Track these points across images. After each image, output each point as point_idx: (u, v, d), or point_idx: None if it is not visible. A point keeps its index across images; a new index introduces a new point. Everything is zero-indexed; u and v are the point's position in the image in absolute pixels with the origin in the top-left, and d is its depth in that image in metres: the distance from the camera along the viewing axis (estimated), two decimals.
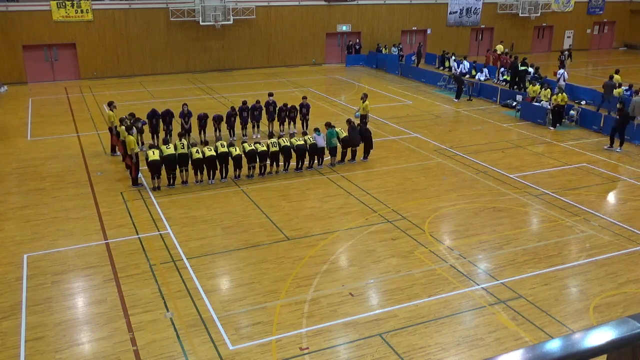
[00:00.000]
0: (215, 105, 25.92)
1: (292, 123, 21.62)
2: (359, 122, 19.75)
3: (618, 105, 21.00)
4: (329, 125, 18.04)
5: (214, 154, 16.18)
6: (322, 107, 26.24)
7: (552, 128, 22.97)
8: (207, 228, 13.80)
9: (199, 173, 16.32)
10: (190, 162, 16.18)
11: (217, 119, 20.22)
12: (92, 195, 15.80)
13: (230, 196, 15.78)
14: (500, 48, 36.97)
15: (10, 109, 26.19)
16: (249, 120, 20.79)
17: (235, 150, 16.52)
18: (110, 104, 19.36)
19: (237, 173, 16.80)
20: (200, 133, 20.07)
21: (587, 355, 1.64)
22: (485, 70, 33.53)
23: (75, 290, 11.12)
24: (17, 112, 25.54)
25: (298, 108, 21.32)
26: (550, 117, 23.18)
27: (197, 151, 16.09)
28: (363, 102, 20.79)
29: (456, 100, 28.01)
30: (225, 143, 16.56)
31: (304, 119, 21.43)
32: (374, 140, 18.91)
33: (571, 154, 19.86)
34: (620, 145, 20.20)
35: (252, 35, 36.24)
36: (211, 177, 16.48)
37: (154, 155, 15.72)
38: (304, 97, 21.92)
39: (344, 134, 18.04)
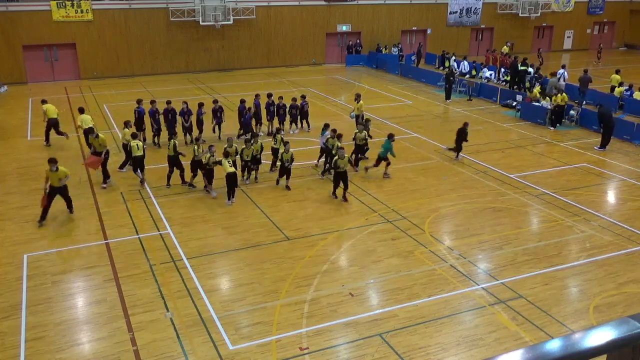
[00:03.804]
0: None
1: (293, 123, 21.71)
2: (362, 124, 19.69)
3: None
4: (390, 136, 17.01)
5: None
6: (322, 107, 26.25)
7: (552, 128, 22.98)
8: (207, 228, 13.80)
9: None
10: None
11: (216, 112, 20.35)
12: (92, 195, 15.80)
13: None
14: (505, 49, 37.05)
15: (10, 109, 26.19)
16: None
17: (230, 167, 15.03)
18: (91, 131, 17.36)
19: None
20: (200, 133, 20.14)
21: (587, 355, 1.63)
22: (491, 70, 33.48)
23: (75, 290, 11.12)
24: (17, 112, 25.53)
25: (299, 106, 21.45)
26: (552, 117, 23.18)
27: (230, 164, 15.09)
28: (357, 103, 20.76)
29: (448, 100, 27.93)
30: (231, 161, 15.37)
31: (306, 119, 21.58)
32: (374, 140, 18.92)
33: (571, 154, 19.86)
34: (602, 145, 20.22)
35: (252, 35, 36.24)
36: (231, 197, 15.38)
37: (138, 150, 15.99)
38: (303, 96, 21.98)
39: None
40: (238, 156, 16.40)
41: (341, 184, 15.31)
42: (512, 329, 9.82)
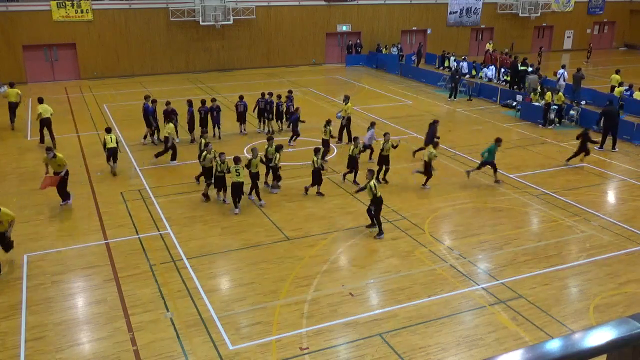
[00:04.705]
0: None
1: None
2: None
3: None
4: (498, 140, 16.81)
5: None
6: (322, 107, 26.24)
7: (550, 127, 22.98)
8: (207, 228, 13.80)
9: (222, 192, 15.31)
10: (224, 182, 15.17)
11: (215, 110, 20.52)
12: (92, 195, 15.80)
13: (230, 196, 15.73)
14: (488, 46, 37.73)
15: None
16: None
17: (238, 176, 14.44)
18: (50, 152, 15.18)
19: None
20: (203, 131, 20.26)
21: (587, 355, 1.63)
22: (492, 68, 33.49)
23: (75, 290, 11.12)
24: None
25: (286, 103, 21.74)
26: (552, 116, 23.19)
27: (236, 172, 14.43)
28: (345, 104, 20.70)
29: (449, 99, 27.94)
30: (240, 170, 14.45)
31: (281, 119, 21.87)
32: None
33: (571, 154, 19.82)
34: (602, 145, 20.16)
35: (252, 35, 36.24)
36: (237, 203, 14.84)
37: (111, 142, 16.89)
38: (290, 91, 22.23)
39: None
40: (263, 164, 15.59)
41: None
42: (512, 329, 9.82)
